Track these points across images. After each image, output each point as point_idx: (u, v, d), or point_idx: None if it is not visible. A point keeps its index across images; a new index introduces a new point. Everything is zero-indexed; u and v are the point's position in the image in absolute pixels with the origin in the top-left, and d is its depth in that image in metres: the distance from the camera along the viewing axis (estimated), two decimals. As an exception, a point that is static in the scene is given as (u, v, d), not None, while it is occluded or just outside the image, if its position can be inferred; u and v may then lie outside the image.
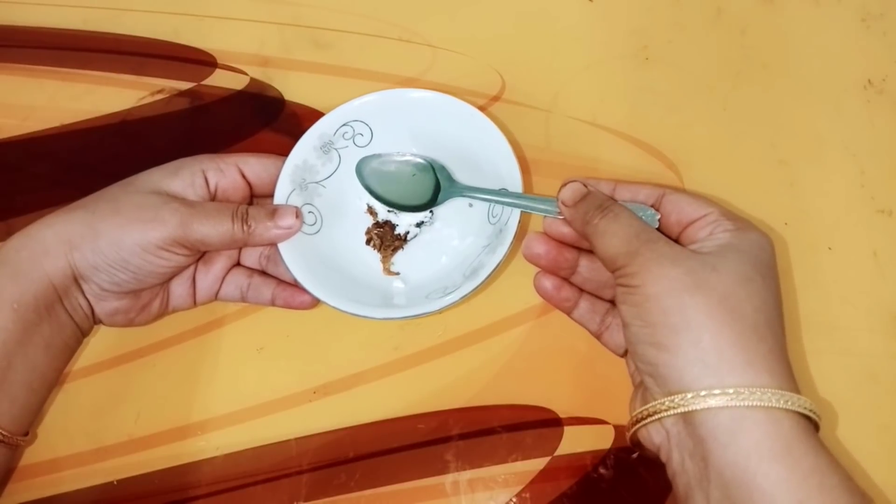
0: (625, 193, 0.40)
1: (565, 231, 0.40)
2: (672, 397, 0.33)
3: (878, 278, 0.44)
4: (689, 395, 0.32)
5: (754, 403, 0.31)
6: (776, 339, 0.33)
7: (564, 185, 0.40)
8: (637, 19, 0.52)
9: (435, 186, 0.44)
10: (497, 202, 0.42)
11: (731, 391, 0.31)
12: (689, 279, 0.33)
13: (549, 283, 0.41)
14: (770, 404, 0.31)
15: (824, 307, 0.44)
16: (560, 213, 0.40)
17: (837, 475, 0.30)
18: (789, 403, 0.31)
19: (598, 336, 0.41)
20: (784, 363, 0.33)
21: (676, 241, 0.38)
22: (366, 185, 0.45)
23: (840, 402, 0.41)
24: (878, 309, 0.43)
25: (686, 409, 0.32)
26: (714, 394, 0.31)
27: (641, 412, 0.35)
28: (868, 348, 0.43)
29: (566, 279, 0.42)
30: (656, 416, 0.33)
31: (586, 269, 0.41)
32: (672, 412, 0.32)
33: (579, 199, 0.39)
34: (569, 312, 0.42)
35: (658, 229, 0.38)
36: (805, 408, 0.31)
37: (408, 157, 0.45)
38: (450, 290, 0.40)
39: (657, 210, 0.38)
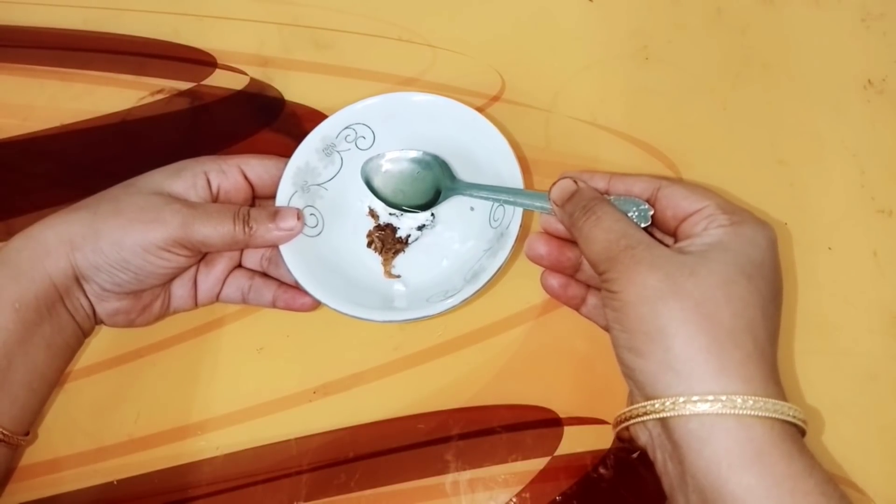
0: (619, 187, 0.39)
1: (561, 227, 0.40)
2: (644, 404, 0.33)
3: (878, 278, 0.44)
4: (659, 403, 0.32)
5: (723, 411, 0.30)
6: (756, 345, 0.32)
7: (556, 181, 0.39)
8: (637, 19, 0.52)
9: (437, 185, 0.44)
10: (497, 200, 0.42)
11: (696, 398, 0.31)
12: (664, 286, 0.33)
13: (555, 281, 0.41)
14: (739, 411, 0.30)
15: (824, 307, 0.44)
16: (553, 211, 0.40)
17: (813, 480, 0.30)
18: (761, 409, 0.30)
19: (607, 330, 0.41)
20: (763, 369, 0.32)
21: (674, 234, 0.38)
22: (370, 187, 0.45)
23: (840, 402, 0.41)
24: (877, 309, 0.43)
25: (659, 416, 0.32)
26: (681, 401, 0.31)
27: (623, 414, 0.35)
28: (868, 348, 0.43)
29: (572, 276, 0.42)
30: (635, 420, 0.34)
31: (590, 266, 0.41)
32: (648, 417, 0.33)
33: (567, 197, 0.39)
34: (577, 309, 0.42)
35: (654, 224, 0.38)
36: (781, 413, 0.31)
37: (411, 154, 0.45)
38: (450, 293, 0.40)
39: (652, 204, 0.38)
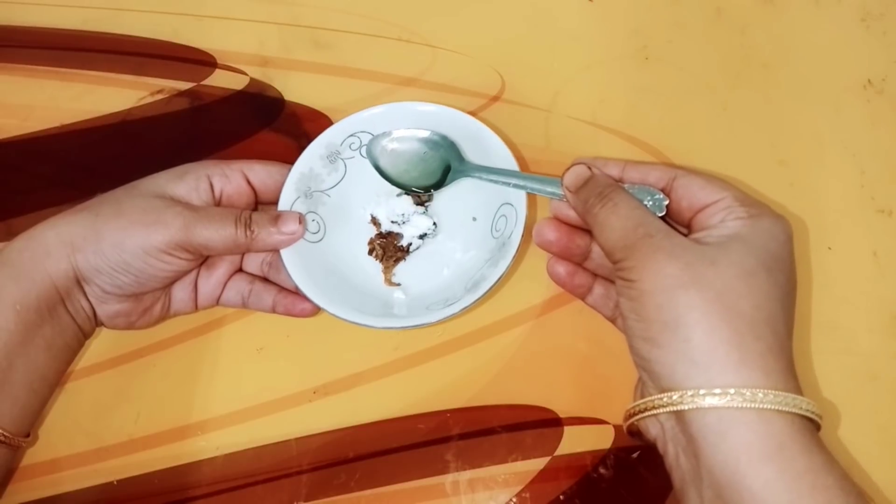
0: (634, 175, 0.38)
1: (573, 214, 0.39)
2: (661, 395, 0.32)
3: (878, 278, 0.44)
4: (677, 395, 0.31)
5: (744, 405, 0.30)
6: (776, 337, 0.32)
7: (570, 167, 0.39)
8: (637, 19, 0.52)
9: (446, 165, 0.44)
10: (506, 183, 0.42)
11: (718, 391, 0.30)
12: (684, 275, 0.32)
13: (562, 269, 0.41)
14: (760, 405, 0.30)
15: (824, 307, 0.43)
16: (565, 197, 0.39)
17: (832, 475, 0.30)
18: (781, 404, 0.30)
19: (612, 321, 0.41)
20: (783, 362, 0.32)
21: (688, 225, 0.37)
22: (375, 166, 0.44)
23: (840, 401, 0.41)
24: (878, 309, 0.43)
25: (675, 408, 0.32)
26: (701, 394, 0.31)
27: (635, 407, 0.34)
28: (868, 348, 0.43)
29: (579, 264, 0.41)
30: (650, 413, 0.33)
31: (599, 254, 0.40)
32: (663, 410, 0.32)
33: (581, 184, 0.38)
34: (583, 298, 0.41)
35: (668, 214, 0.37)
36: (800, 408, 0.31)
37: (419, 134, 0.44)
38: (451, 301, 0.39)
39: (667, 194, 0.37)
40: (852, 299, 0.44)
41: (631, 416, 0.35)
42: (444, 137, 0.44)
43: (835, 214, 0.46)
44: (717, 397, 0.30)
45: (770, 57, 0.50)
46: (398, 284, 0.44)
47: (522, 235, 0.40)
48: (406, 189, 0.45)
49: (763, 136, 0.48)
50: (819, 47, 0.50)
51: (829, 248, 0.45)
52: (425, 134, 0.44)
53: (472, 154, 0.44)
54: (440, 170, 0.44)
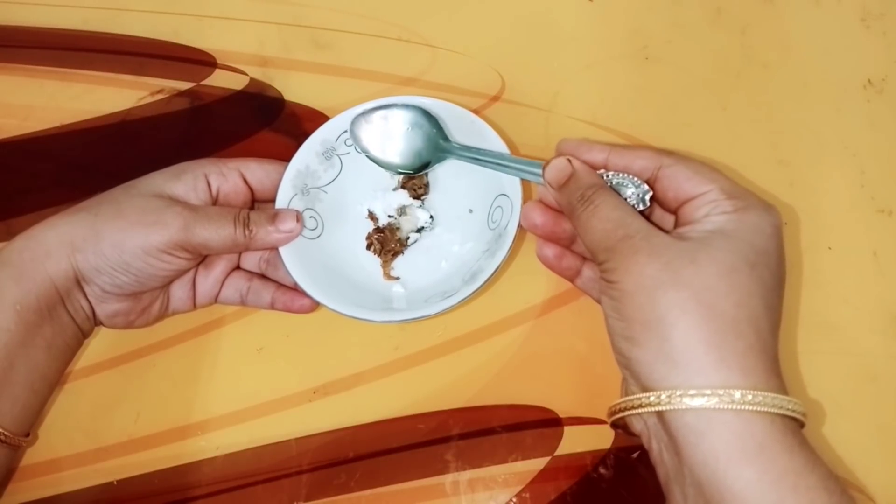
0: (618, 161, 0.38)
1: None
2: (640, 396, 0.32)
3: (878, 278, 0.44)
4: (654, 396, 0.31)
5: (721, 405, 0.30)
6: (758, 336, 0.31)
7: (550, 160, 0.38)
8: (637, 19, 0.52)
9: (430, 145, 0.44)
10: (490, 164, 0.41)
11: (694, 392, 0.30)
12: (664, 275, 0.32)
13: (550, 252, 0.41)
14: (738, 405, 0.30)
15: (824, 307, 0.43)
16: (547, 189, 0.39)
17: (815, 474, 0.29)
18: (761, 404, 0.30)
19: (601, 303, 0.41)
20: (765, 360, 0.31)
21: (674, 213, 0.37)
22: (360, 146, 0.44)
23: (839, 402, 0.41)
24: (878, 309, 0.43)
25: (654, 409, 0.31)
26: (678, 394, 0.30)
27: (617, 405, 0.34)
28: (868, 348, 0.43)
29: (567, 247, 0.41)
30: (630, 412, 0.33)
31: None
32: (643, 410, 0.32)
33: (564, 180, 0.37)
34: (572, 280, 0.41)
35: (652, 205, 0.37)
36: (781, 407, 0.30)
37: (399, 109, 0.44)
38: (449, 294, 0.40)
39: (652, 184, 0.37)
40: (852, 299, 0.44)
41: (614, 413, 0.35)
42: (427, 115, 0.44)
43: (835, 214, 0.46)
44: (693, 398, 0.30)
45: (770, 57, 0.50)
46: (397, 278, 0.44)
47: (519, 225, 0.40)
48: (391, 169, 0.44)
49: (763, 136, 0.48)
50: (819, 47, 0.50)
51: (829, 248, 0.45)
52: (408, 112, 0.44)
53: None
54: (425, 150, 0.44)
